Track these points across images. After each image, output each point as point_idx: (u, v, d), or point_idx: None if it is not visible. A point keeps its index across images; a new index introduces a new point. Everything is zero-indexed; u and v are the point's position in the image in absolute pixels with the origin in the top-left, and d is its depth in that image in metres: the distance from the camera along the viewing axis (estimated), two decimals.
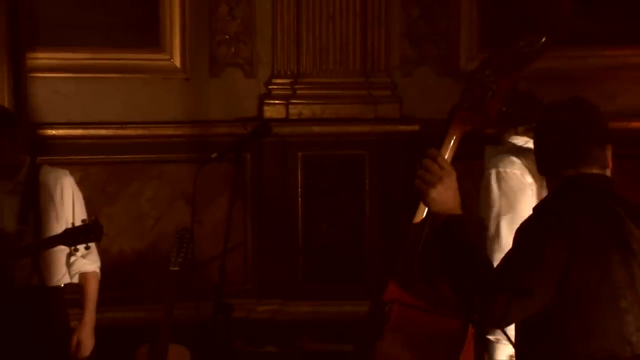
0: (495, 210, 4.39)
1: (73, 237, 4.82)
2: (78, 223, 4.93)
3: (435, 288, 3.89)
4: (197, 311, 4.74)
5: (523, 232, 3.27)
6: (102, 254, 5.17)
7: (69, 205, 5.08)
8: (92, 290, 5.15)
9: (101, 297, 5.22)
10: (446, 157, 3.27)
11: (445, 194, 3.20)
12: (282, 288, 7.14)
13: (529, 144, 4.40)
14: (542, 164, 3.42)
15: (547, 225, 3.20)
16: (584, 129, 3.35)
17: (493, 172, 4.43)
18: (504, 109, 4.38)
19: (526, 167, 4.31)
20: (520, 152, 4.40)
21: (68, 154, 6.80)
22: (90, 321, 5.13)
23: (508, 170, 4.37)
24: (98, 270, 5.19)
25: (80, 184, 5.25)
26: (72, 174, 5.23)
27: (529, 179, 4.29)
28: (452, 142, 3.29)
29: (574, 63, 6.86)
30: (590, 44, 6.94)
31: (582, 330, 3.18)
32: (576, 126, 3.35)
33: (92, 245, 4.96)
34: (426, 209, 3.29)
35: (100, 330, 5.21)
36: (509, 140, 4.53)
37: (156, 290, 6.05)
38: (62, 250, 5.00)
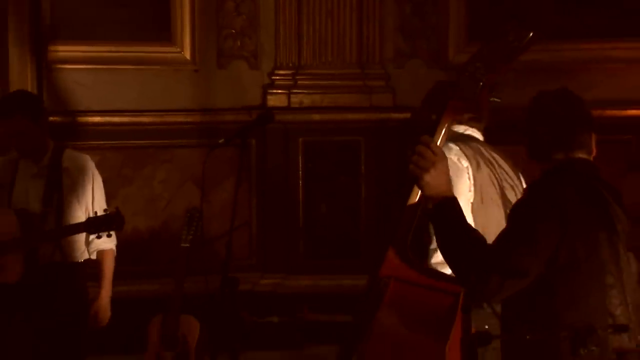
0: None
1: (95, 226, 4.81)
2: (98, 210, 4.90)
3: (426, 265, 3.88)
4: (206, 284, 4.74)
5: (516, 213, 3.25)
6: (118, 232, 5.14)
7: (89, 189, 5.05)
8: (109, 267, 5.13)
9: (118, 272, 5.21)
10: (438, 143, 3.25)
11: (439, 178, 3.18)
12: (284, 263, 7.12)
13: (468, 131, 4.40)
14: (533, 150, 3.39)
15: (539, 208, 3.19)
16: (572, 117, 3.34)
17: None
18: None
19: (463, 152, 4.30)
20: (460, 139, 4.39)
21: (87, 139, 6.80)
22: (106, 295, 5.11)
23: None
24: (114, 248, 5.17)
25: (97, 167, 5.22)
26: (90, 158, 5.21)
27: (464, 163, 4.28)
28: (444, 129, 3.26)
29: (555, 56, 6.83)
30: (570, 39, 6.92)
31: (568, 302, 3.17)
32: (566, 115, 3.34)
33: None
34: (419, 192, 3.26)
35: (116, 302, 5.20)
36: (451, 128, 4.52)
37: (168, 265, 6.07)
38: None
